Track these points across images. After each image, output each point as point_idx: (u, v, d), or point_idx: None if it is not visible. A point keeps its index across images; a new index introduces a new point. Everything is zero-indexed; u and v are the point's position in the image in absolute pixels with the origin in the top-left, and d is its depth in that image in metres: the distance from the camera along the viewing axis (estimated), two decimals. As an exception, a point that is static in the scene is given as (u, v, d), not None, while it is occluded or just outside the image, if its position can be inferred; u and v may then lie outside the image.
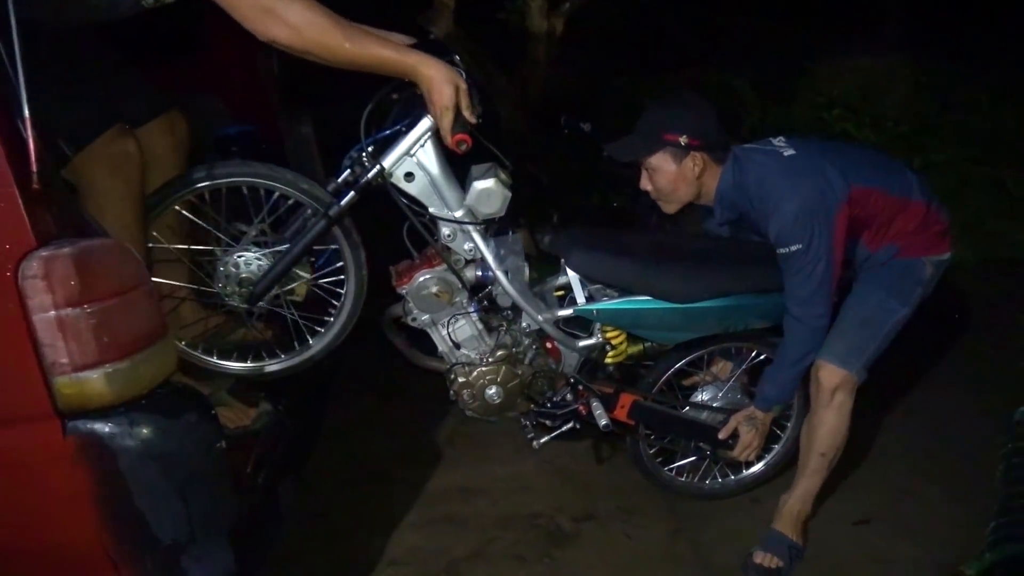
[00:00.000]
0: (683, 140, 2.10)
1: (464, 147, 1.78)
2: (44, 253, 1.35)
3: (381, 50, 1.66)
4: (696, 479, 2.54)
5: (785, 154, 2.13)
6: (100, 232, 1.49)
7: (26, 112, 1.32)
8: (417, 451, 2.81)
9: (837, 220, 2.04)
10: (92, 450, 1.43)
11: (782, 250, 2.06)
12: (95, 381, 1.41)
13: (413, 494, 2.64)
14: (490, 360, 2.16)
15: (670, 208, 2.26)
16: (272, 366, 2.08)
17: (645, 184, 2.23)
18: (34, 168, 1.34)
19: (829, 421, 2.20)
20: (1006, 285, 3.95)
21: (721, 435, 2.32)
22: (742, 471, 2.55)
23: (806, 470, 2.28)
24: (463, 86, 1.74)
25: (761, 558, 2.22)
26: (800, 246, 2.02)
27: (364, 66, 1.66)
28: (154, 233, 1.93)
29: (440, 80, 1.71)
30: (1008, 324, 3.51)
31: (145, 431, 1.46)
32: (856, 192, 2.07)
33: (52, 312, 1.36)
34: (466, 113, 1.76)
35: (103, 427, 1.44)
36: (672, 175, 2.15)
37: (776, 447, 2.52)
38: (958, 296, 3.66)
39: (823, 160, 2.09)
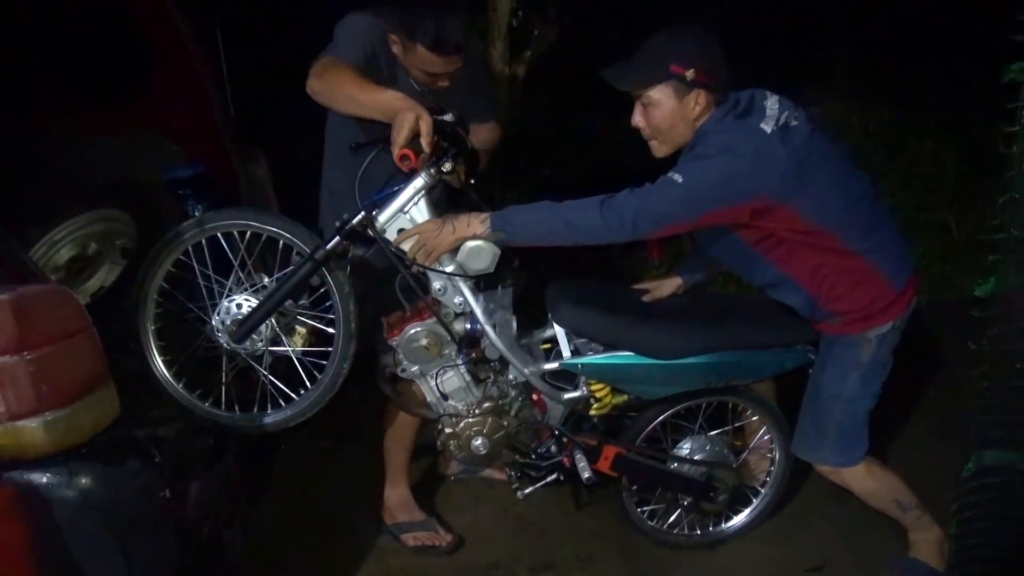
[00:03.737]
0: (690, 75, 1.90)
1: (407, 162, 1.88)
2: (-19, 299, 1.32)
3: (379, 91, 1.96)
4: (674, 528, 2.53)
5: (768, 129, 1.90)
6: (40, 277, 1.46)
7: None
8: (373, 498, 2.75)
9: (728, 207, 1.90)
10: (27, 501, 1.39)
11: (671, 174, 1.91)
12: (32, 430, 1.38)
13: (369, 543, 2.58)
14: (477, 412, 2.19)
15: (661, 151, 2.05)
16: (268, 418, 2.08)
17: (638, 120, 2.02)
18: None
19: (862, 494, 2.28)
20: (955, 326, 4.02)
21: (404, 244, 2.03)
22: (724, 523, 2.55)
23: (905, 524, 2.33)
24: (425, 117, 1.88)
25: None
26: (679, 177, 1.88)
27: (370, 106, 1.97)
28: (154, 295, 1.99)
29: (406, 108, 1.89)
30: (959, 367, 3.55)
31: (84, 480, 1.43)
32: (779, 212, 1.92)
33: (-11, 360, 1.32)
34: (424, 141, 1.88)
35: (39, 477, 1.40)
36: (671, 111, 1.95)
37: (755, 500, 2.53)
38: (907, 340, 3.73)
39: (796, 160, 1.88)
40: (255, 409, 2.08)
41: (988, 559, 1.32)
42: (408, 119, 1.86)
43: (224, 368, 2.03)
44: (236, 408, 2.06)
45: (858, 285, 2.01)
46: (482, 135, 2.38)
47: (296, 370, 2.07)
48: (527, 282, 2.19)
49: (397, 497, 2.58)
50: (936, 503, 2.26)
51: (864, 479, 2.21)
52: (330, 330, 2.05)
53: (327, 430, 3.21)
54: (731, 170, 1.85)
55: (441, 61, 2.07)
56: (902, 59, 7.75)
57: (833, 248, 1.97)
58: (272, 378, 2.05)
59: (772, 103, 1.95)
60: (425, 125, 1.88)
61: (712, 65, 1.92)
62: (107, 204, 2.50)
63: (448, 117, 2.01)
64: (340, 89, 1.99)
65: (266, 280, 2.03)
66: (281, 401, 2.08)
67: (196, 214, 2.58)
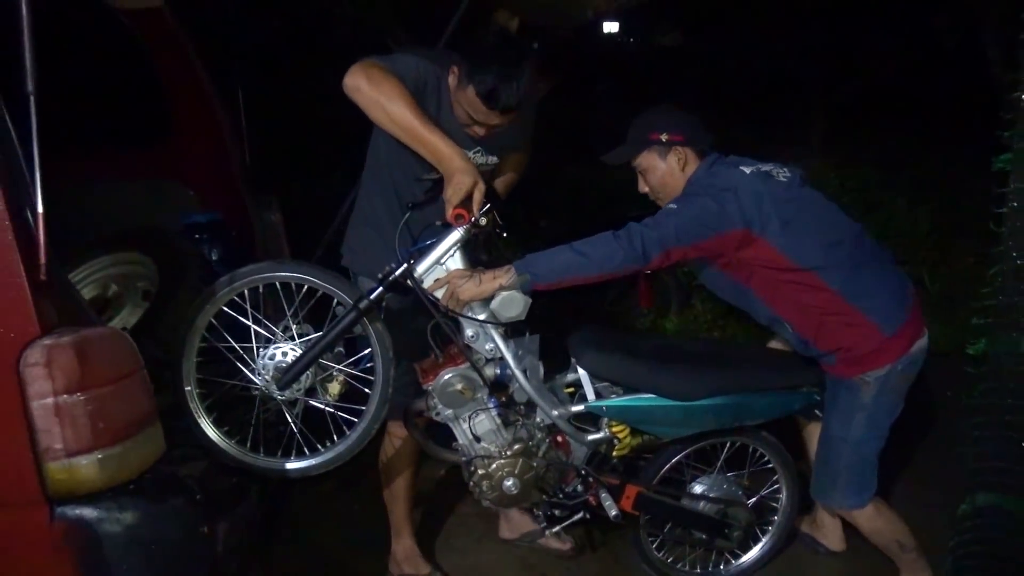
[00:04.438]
0: (664, 137, 2.24)
1: (461, 220, 2.00)
2: (47, 341, 1.40)
3: (434, 134, 1.99)
4: (687, 566, 2.61)
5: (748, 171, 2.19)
6: (96, 321, 1.54)
7: (40, 207, 1.40)
8: (376, 541, 2.79)
9: (716, 235, 2.09)
10: (78, 536, 1.45)
11: (669, 204, 2.16)
12: (87, 467, 1.44)
13: (375, 584, 2.62)
14: (508, 453, 2.26)
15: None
16: (292, 465, 2.12)
17: (641, 187, 2.36)
18: (43, 260, 1.41)
19: (869, 531, 2.40)
20: (933, 378, 4.17)
21: (436, 292, 2.13)
22: (738, 560, 2.64)
23: (900, 564, 2.43)
24: (481, 186, 2.00)
25: None
26: (675, 206, 2.13)
27: (415, 139, 2.00)
28: (203, 332, 2.01)
29: (466, 172, 1.99)
30: (942, 416, 3.67)
31: (132, 516, 1.49)
32: (756, 243, 2.11)
33: (50, 399, 1.40)
34: (475, 207, 2.00)
35: (91, 513, 1.46)
36: (660, 172, 2.28)
37: (766, 537, 2.63)
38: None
39: (774, 199, 2.12)
40: (279, 454, 2.13)
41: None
42: (467, 185, 1.97)
43: (257, 411, 2.08)
44: (261, 451, 2.11)
45: (846, 327, 2.15)
46: (513, 162, 2.48)
47: (320, 420, 2.12)
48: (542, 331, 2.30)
49: (403, 549, 2.62)
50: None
51: (873, 518, 2.34)
52: (365, 390, 2.11)
53: (329, 474, 3.26)
54: (715, 201, 2.09)
55: (486, 112, 2.09)
56: (877, 120, 8.11)
57: (817, 288, 2.14)
58: (301, 426, 2.10)
59: (754, 161, 2.24)
60: (479, 194, 2.00)
61: (682, 126, 2.26)
62: (127, 248, 2.57)
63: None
64: (392, 104, 1.99)
65: (290, 328, 2.08)
66: (306, 449, 2.13)
67: (213, 258, 2.68)
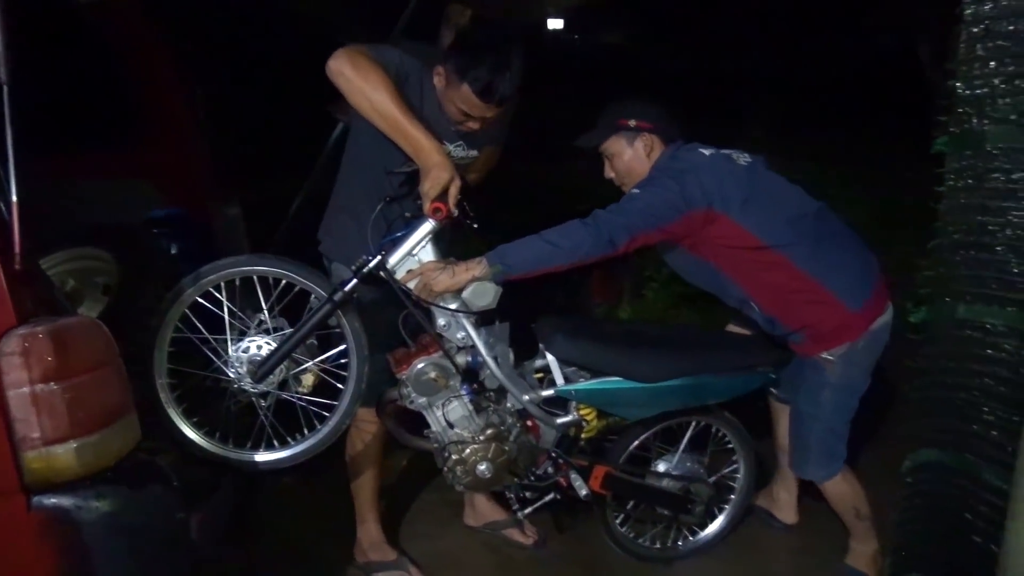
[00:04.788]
0: (632, 123, 2.31)
1: (439, 214, 2.02)
2: (23, 331, 1.40)
3: (414, 126, 2.00)
4: (654, 541, 2.72)
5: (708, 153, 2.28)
6: (70, 311, 1.55)
7: (14, 196, 1.40)
8: (341, 530, 2.81)
9: (681, 216, 2.14)
10: (57, 524, 1.45)
11: (632, 190, 2.23)
12: (64, 455, 1.45)
13: (342, 574, 2.64)
14: (481, 438, 2.31)
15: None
16: (262, 457, 2.13)
17: (607, 172, 2.41)
18: (17, 249, 1.41)
19: (834, 496, 2.48)
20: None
21: (409, 283, 2.16)
22: (696, 535, 2.75)
23: (853, 531, 2.53)
24: (457, 181, 2.03)
25: None
26: (638, 191, 2.20)
27: (394, 129, 2.01)
28: (177, 323, 2.00)
29: (443, 166, 2.01)
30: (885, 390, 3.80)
31: (110, 504, 1.50)
32: (720, 221, 2.16)
33: (27, 388, 1.40)
34: (451, 201, 2.02)
35: (69, 501, 1.46)
36: (627, 157, 2.34)
37: (724, 513, 2.74)
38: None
39: (735, 178, 2.19)
40: (248, 446, 2.13)
41: (924, 536, 1.55)
42: (444, 180, 2.00)
43: (228, 404, 2.09)
44: (231, 443, 2.11)
45: (811, 303, 2.22)
46: (487, 154, 2.51)
47: (291, 412, 2.13)
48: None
49: (368, 537, 2.64)
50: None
51: (838, 483, 2.43)
52: (338, 385, 2.14)
53: (288, 469, 3.26)
54: (677, 183, 2.15)
55: (482, 106, 2.11)
56: (819, 117, 8.40)
57: (781, 265, 2.20)
58: (273, 419, 2.11)
59: (716, 147, 2.32)
60: (455, 189, 2.03)
61: (650, 114, 2.33)
62: (85, 243, 2.54)
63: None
64: (376, 93, 1.99)
65: (265, 321, 2.09)
66: (276, 442, 2.14)
67: (173, 252, 2.67)
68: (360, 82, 1.98)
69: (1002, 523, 1.29)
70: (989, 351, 1.35)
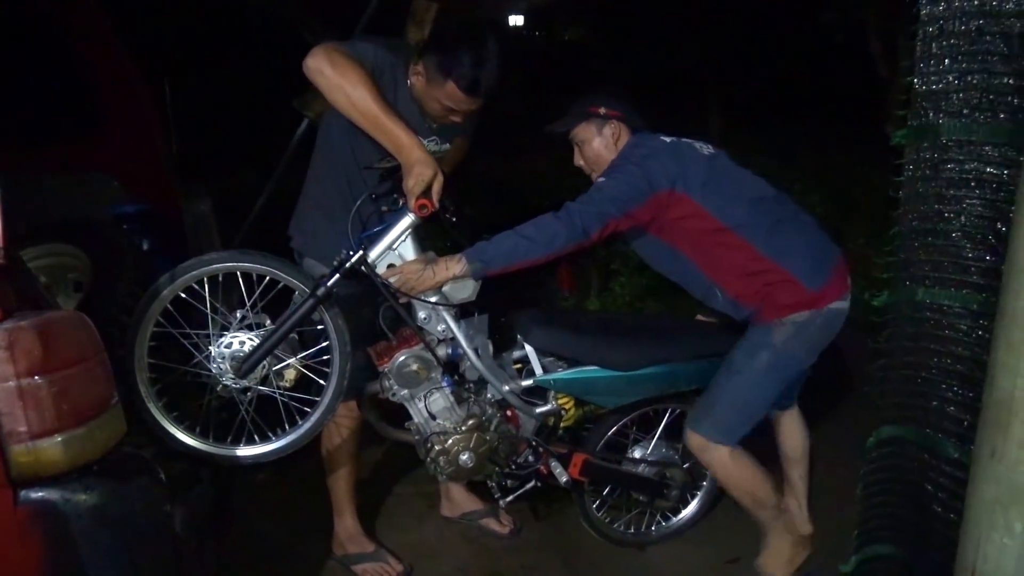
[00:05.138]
0: (602, 110, 2.38)
1: (425, 210, 2.05)
2: (8, 324, 1.40)
3: (394, 123, 2.02)
4: (630, 527, 2.80)
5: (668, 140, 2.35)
6: (54, 305, 1.55)
7: (-2, 190, 1.40)
8: (317, 525, 2.83)
9: (647, 198, 2.20)
10: (44, 518, 1.45)
11: (599, 178, 2.28)
12: (51, 449, 1.44)
13: (318, 568, 2.66)
14: (463, 429, 2.35)
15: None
16: (243, 452, 2.15)
17: (577, 159, 2.47)
18: (1, 243, 1.41)
19: (720, 477, 2.46)
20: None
21: (387, 275, 2.18)
22: (669, 521, 2.83)
23: (758, 521, 2.53)
24: (440, 177, 2.05)
25: None
26: (603, 179, 2.26)
27: (375, 126, 2.03)
28: (158, 317, 2.00)
29: (426, 163, 2.03)
30: (850, 365, 3.92)
31: (97, 496, 1.49)
32: (681, 202, 2.22)
33: (13, 382, 1.40)
34: (435, 197, 2.05)
35: (56, 494, 1.46)
36: (596, 144, 2.40)
37: (695, 499, 2.83)
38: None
39: (695, 161, 2.27)
40: (228, 441, 2.14)
41: (887, 507, 1.64)
42: (427, 176, 2.03)
43: (209, 399, 2.10)
44: (211, 438, 2.12)
45: (770, 284, 2.26)
46: (458, 146, 2.54)
47: (271, 407, 2.15)
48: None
49: (345, 529, 2.66)
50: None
51: (726, 465, 2.39)
52: (320, 381, 2.16)
53: (261, 466, 3.26)
54: (639, 167, 2.22)
55: (467, 101, 2.14)
56: (772, 112, 8.59)
57: (741, 246, 2.25)
58: (254, 414, 2.12)
59: (671, 135, 2.38)
60: (438, 184, 2.06)
61: (618, 103, 2.41)
62: (54, 239, 2.52)
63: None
64: (355, 90, 2.00)
65: (248, 317, 2.11)
66: (256, 437, 2.15)
67: (145, 248, 2.66)
68: (339, 79, 2.00)
69: (960, 493, 1.37)
70: (946, 331, 1.43)
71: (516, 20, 12.20)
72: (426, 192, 2.06)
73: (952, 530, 1.43)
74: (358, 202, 2.17)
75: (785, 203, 2.37)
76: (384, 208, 2.21)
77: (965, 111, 1.35)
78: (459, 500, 2.92)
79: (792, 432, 2.66)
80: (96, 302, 2.30)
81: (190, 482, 2.01)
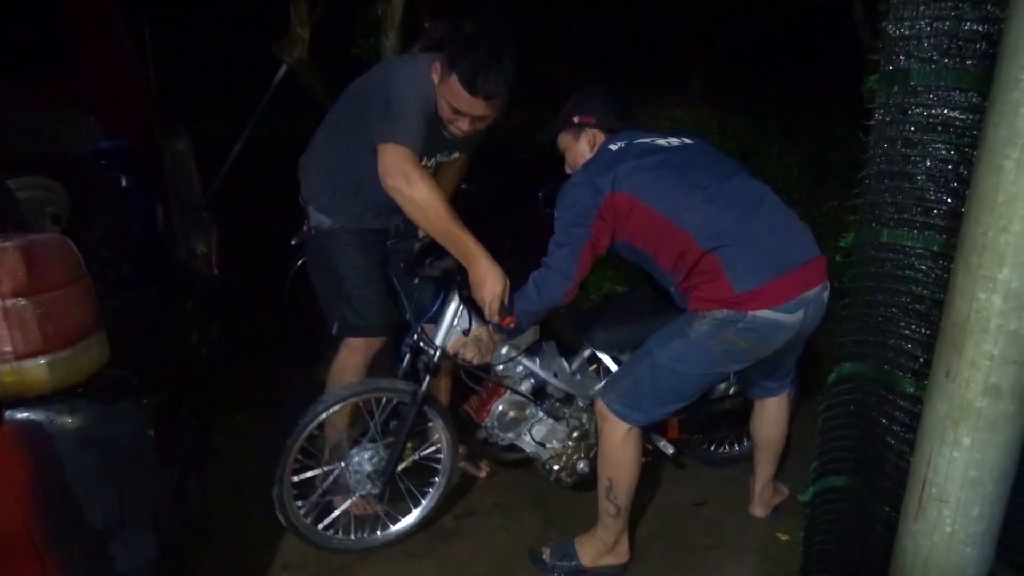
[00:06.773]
0: (576, 119, 2.40)
1: (512, 326, 2.19)
2: (-8, 245, 1.41)
3: (464, 235, 2.15)
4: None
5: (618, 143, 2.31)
6: (39, 227, 1.56)
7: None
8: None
9: (599, 208, 2.18)
10: (29, 437, 1.49)
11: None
12: (37, 370, 1.48)
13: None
14: (570, 443, 2.59)
15: None
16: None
17: (567, 168, 2.48)
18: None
19: (602, 452, 2.36)
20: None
21: (450, 349, 2.41)
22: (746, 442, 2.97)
23: (600, 509, 2.42)
24: (507, 283, 2.18)
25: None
26: (558, 212, 2.25)
27: (446, 238, 2.16)
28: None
29: (495, 276, 2.15)
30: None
31: (83, 417, 1.54)
32: (621, 199, 2.17)
33: (-2, 302, 1.42)
34: (504, 300, 2.17)
35: (41, 415, 1.50)
36: (573, 152, 2.43)
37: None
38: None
39: (634, 155, 2.22)
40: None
41: (845, 440, 1.72)
42: (500, 288, 2.14)
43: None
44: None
45: (701, 274, 2.14)
46: (462, 160, 2.61)
47: None
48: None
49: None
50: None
51: (615, 439, 2.29)
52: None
53: (242, 406, 3.31)
54: (579, 188, 2.23)
55: (468, 99, 2.08)
56: (752, 72, 8.60)
57: (680, 235, 2.13)
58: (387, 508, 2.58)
59: (649, 134, 2.33)
60: (506, 292, 2.17)
61: (595, 109, 2.39)
62: (32, 172, 2.50)
63: None
64: (430, 210, 2.12)
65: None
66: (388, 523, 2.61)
67: (124, 184, 2.65)
68: (416, 196, 2.11)
69: (915, 426, 1.44)
70: (907, 271, 1.49)
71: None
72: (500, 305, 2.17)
73: (904, 461, 1.51)
74: (415, 292, 2.56)
75: (757, 198, 2.20)
76: (415, 280, 2.50)
77: (934, 56, 1.39)
78: None
79: (765, 422, 2.63)
80: (74, 236, 2.31)
81: (172, 412, 2.05)
